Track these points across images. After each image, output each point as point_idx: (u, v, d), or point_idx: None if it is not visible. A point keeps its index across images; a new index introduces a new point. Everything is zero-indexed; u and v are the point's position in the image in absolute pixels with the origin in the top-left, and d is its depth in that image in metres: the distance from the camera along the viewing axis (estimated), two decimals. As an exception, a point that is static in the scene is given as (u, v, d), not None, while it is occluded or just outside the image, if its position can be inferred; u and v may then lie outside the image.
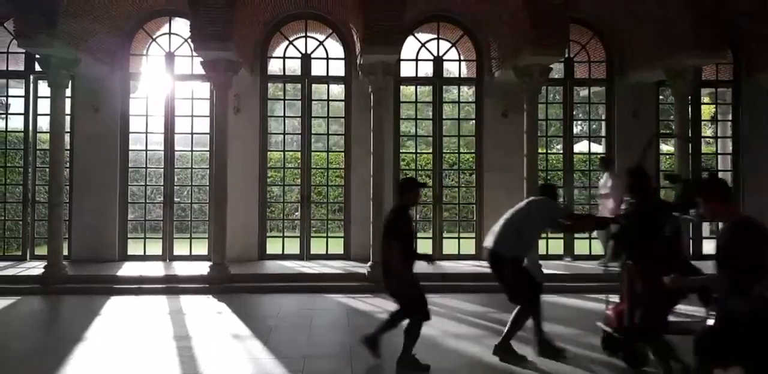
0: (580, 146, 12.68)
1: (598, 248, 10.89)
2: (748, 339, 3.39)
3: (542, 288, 5.74)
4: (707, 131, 14.90)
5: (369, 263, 9.29)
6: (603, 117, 11.72)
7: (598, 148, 12.51)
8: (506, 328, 5.54)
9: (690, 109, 10.61)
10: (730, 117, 11.88)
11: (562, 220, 5.80)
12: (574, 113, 11.68)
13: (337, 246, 11.00)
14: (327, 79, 11.49)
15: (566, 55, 10.81)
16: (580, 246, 11.18)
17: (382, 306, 7.45)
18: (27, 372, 5.28)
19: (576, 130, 14.76)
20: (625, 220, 5.22)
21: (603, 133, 11.76)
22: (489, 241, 5.66)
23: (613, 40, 11.21)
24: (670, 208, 5.35)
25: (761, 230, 3.50)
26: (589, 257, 10.99)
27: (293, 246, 10.86)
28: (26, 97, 10.78)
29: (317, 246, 11.03)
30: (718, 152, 12.15)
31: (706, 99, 12.45)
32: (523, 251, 5.71)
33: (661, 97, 12.06)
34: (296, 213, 12.99)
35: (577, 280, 9.37)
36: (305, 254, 10.86)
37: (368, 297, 8.44)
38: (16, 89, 11.06)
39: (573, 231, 7.74)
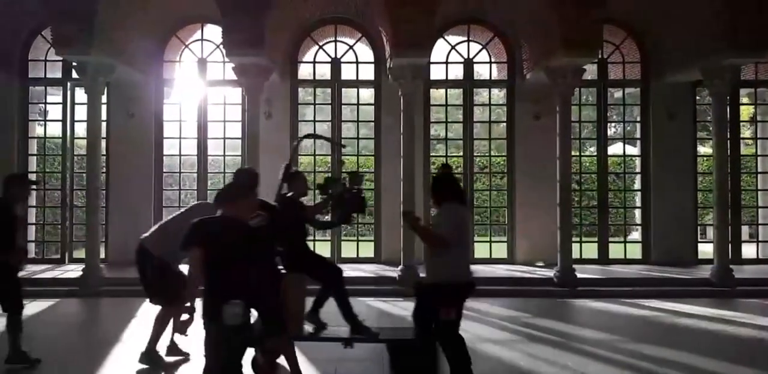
0: (615, 149, 12.44)
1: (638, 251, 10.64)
2: None
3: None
4: (746, 132, 14.49)
5: (400, 267, 9.24)
6: (638, 119, 11.48)
7: (633, 150, 12.25)
8: (151, 331, 5.49)
9: (728, 110, 10.34)
10: (770, 118, 11.55)
11: None
12: (608, 114, 11.48)
13: (367, 250, 10.99)
14: (357, 83, 11.52)
15: (600, 56, 10.63)
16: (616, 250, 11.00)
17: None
18: (65, 372, 5.37)
19: (610, 132, 14.53)
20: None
21: (638, 135, 11.52)
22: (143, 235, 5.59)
23: (648, 40, 10.99)
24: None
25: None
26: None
27: (324, 250, 10.85)
28: (64, 103, 11.05)
29: (348, 250, 11.03)
30: (758, 153, 11.79)
31: (745, 99, 12.11)
32: (173, 253, 5.21)
33: (698, 97, 11.79)
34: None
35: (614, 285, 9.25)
36: (336, 258, 10.87)
37: (399, 300, 8.38)
38: (55, 96, 11.35)
39: None
